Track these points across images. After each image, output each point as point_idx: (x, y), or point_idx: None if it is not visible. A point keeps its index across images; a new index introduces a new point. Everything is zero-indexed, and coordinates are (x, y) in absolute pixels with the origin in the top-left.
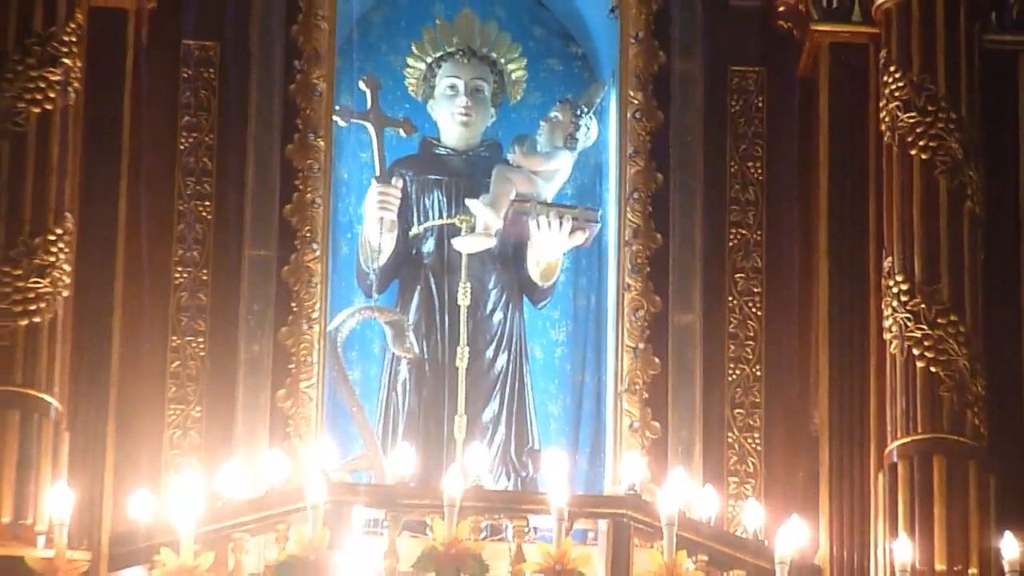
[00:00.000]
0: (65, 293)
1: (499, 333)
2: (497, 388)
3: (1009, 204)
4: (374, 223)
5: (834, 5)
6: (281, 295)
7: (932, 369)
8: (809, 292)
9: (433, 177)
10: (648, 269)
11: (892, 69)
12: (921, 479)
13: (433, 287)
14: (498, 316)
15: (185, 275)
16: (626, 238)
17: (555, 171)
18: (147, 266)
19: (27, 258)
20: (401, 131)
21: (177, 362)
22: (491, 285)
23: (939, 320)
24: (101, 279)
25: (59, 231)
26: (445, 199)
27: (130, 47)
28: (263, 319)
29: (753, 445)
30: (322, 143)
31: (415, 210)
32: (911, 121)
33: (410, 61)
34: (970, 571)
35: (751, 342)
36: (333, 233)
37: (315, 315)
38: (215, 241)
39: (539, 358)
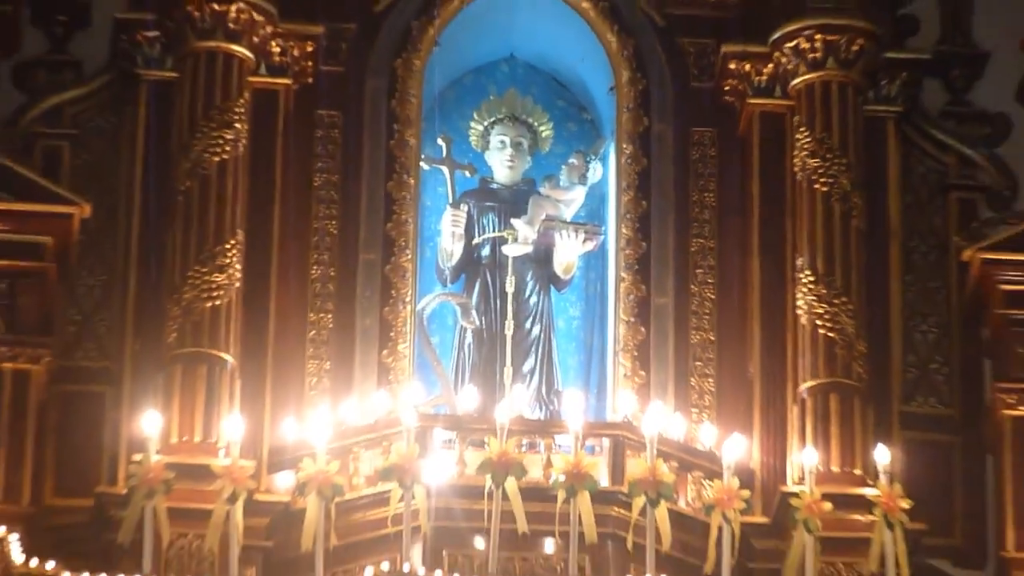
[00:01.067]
0: (237, 284)
1: (534, 311)
2: (532, 348)
3: (882, 221)
4: (448, 236)
5: (763, 86)
6: (384, 285)
7: (830, 335)
8: (746, 282)
9: (488, 204)
10: (636, 266)
11: (802, 129)
12: (822, 409)
13: (489, 279)
14: (533, 299)
15: (318, 272)
16: (621, 245)
17: (572, 199)
18: (292, 265)
19: (211, 261)
20: (467, 172)
21: (313, 331)
22: (528, 278)
23: (834, 301)
24: (262, 274)
25: (233, 242)
26: (497, 219)
27: (280, 115)
28: (372, 302)
29: (708, 386)
30: (412, 181)
31: (476, 227)
32: (815, 165)
33: (472, 124)
34: (855, 471)
35: (707, 316)
36: (420, 242)
37: (408, 299)
38: (339, 249)
39: (561, 327)
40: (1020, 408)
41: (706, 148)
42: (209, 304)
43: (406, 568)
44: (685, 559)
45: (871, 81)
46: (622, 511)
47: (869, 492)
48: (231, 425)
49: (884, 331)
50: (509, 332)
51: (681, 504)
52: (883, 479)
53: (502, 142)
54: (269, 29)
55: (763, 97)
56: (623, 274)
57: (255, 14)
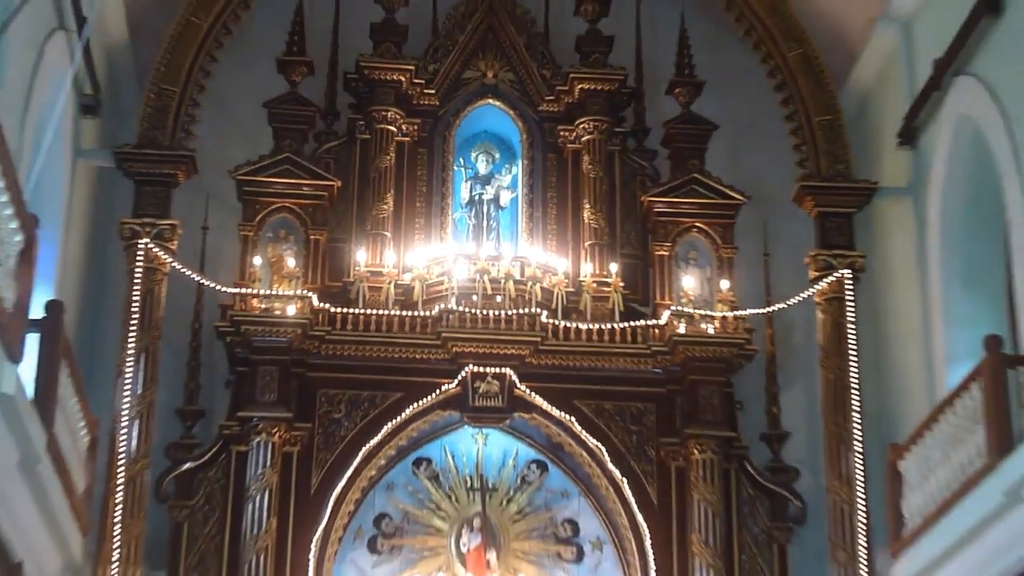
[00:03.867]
0: (391, 207)
1: (495, 215)
2: (494, 229)
3: (614, 186)
4: (463, 191)
5: (572, 140)
6: (442, 208)
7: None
8: (567, 206)
9: (477, 181)
10: (529, 202)
11: (586, 156)
12: (597, 254)
13: (477, 206)
14: (493, 212)
15: (420, 205)
16: (522, 196)
17: (507, 180)
18: (412, 203)
19: (381, 200)
20: (468, 170)
21: (418, 226)
22: (492, 205)
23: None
24: (399, 206)
25: (390, 195)
26: (480, 186)
27: (406, 151)
28: (438, 214)
29: (554, 244)
30: (451, 174)
31: (473, 189)
32: (591, 166)
33: (471, 153)
34: (604, 273)
35: (553, 219)
36: (454, 194)
37: (450, 212)
38: (426, 197)
39: (504, 221)
40: (661, 251)
41: (552, 163)
42: (382, 216)
43: (449, 307)
44: (548, 307)
45: (610, 138)
46: (523, 286)
47: (609, 280)
48: (388, 256)
49: (614, 223)
50: (485, 224)
51: (544, 284)
52: (614, 275)
53: (482, 159)
54: (402, 120)
55: (573, 144)
56: (524, 205)
57: (399, 117)
